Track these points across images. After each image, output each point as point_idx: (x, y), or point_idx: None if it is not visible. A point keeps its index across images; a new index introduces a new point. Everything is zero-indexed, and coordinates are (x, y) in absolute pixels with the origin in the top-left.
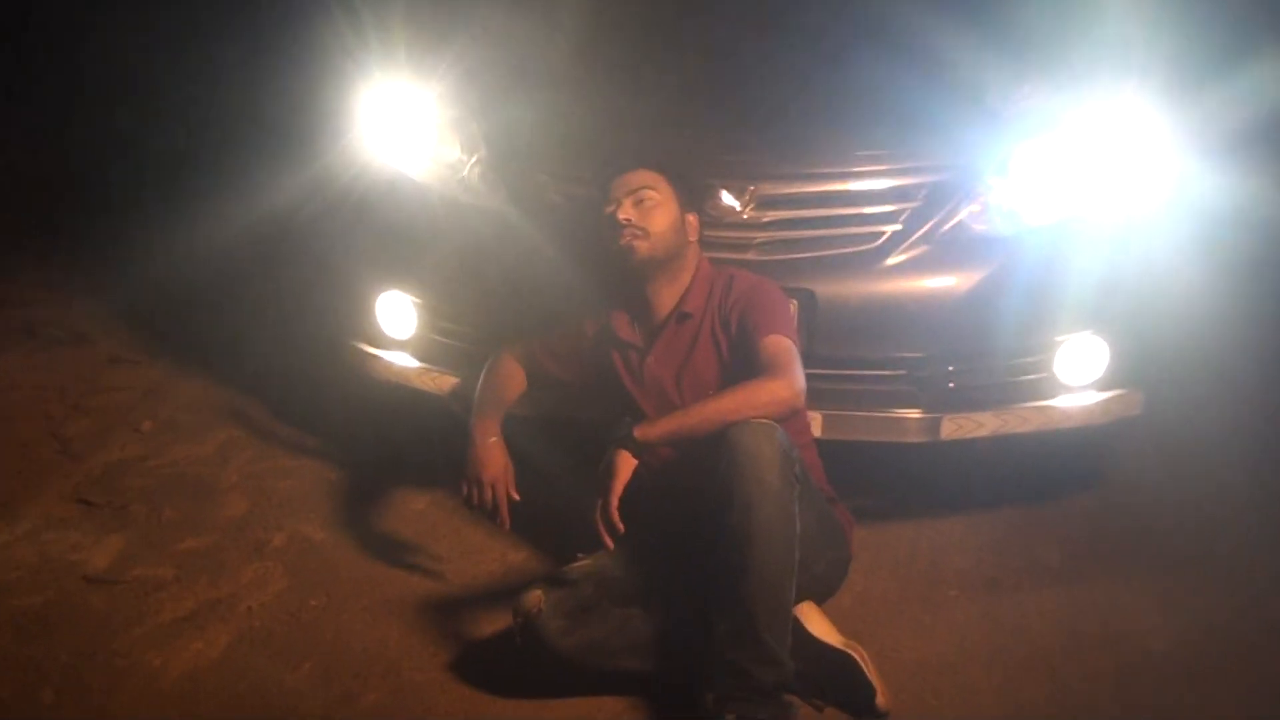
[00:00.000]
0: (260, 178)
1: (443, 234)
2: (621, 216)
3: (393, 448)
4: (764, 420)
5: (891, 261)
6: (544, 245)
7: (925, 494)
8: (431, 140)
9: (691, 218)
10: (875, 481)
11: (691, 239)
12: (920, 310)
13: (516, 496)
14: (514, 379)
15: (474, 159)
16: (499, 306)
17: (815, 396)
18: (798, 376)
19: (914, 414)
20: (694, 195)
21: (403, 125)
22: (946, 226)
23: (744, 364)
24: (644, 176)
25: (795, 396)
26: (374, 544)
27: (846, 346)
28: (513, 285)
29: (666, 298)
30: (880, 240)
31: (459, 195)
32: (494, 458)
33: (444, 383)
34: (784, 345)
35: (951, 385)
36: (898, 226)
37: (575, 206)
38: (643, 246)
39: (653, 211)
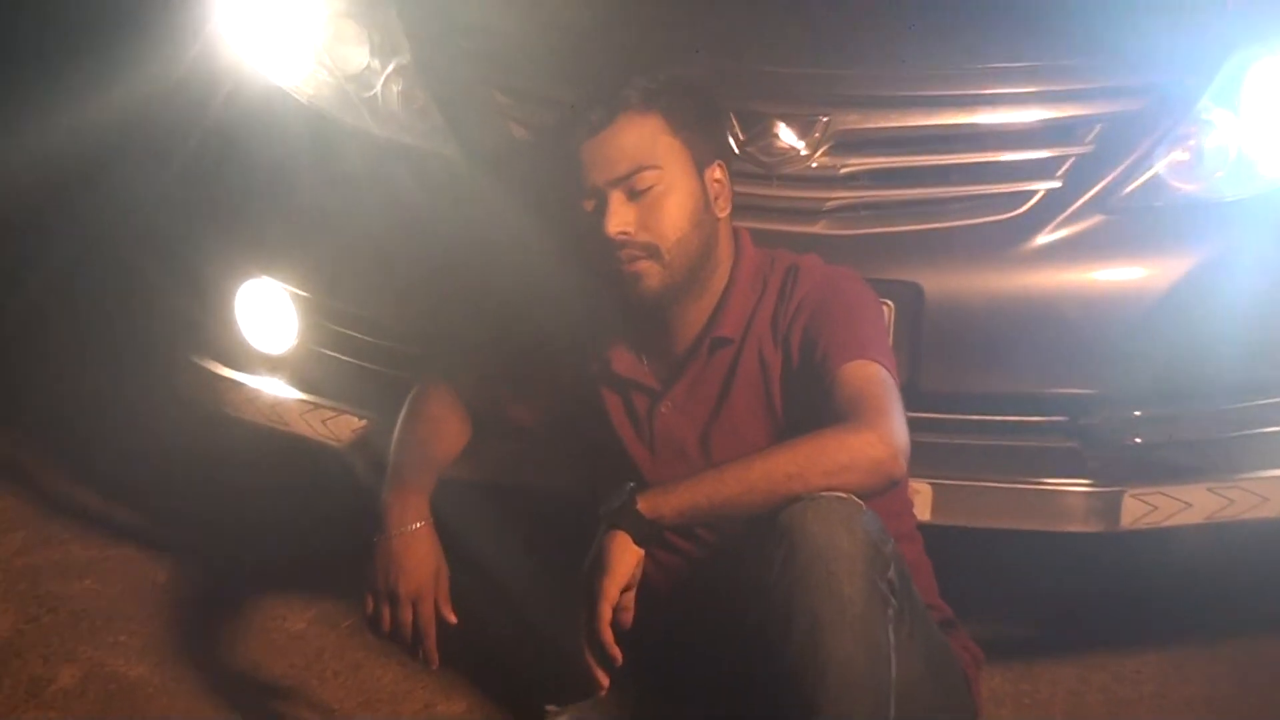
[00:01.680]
0: (46, 98)
1: (342, 186)
2: (613, 230)
3: (256, 530)
4: (841, 495)
5: (1045, 239)
6: (501, 206)
7: (1095, 615)
8: (324, 38)
9: (718, 171)
10: (1015, 594)
11: (721, 213)
12: (1090, 319)
13: (453, 618)
14: (452, 425)
15: (391, 67)
16: (431, 306)
17: (922, 458)
18: (895, 426)
19: (1079, 487)
20: (712, 129)
21: (279, 14)
22: (1133, 185)
23: (809, 406)
24: (630, 137)
25: (891, 458)
26: (223, 686)
27: (972, 377)
28: (452, 271)
29: (692, 316)
30: (1027, 205)
31: (367, 124)
32: (418, 555)
33: (341, 426)
34: (873, 376)
35: (1139, 441)
36: (1055, 184)
37: (552, 143)
38: (655, 273)
39: (661, 204)
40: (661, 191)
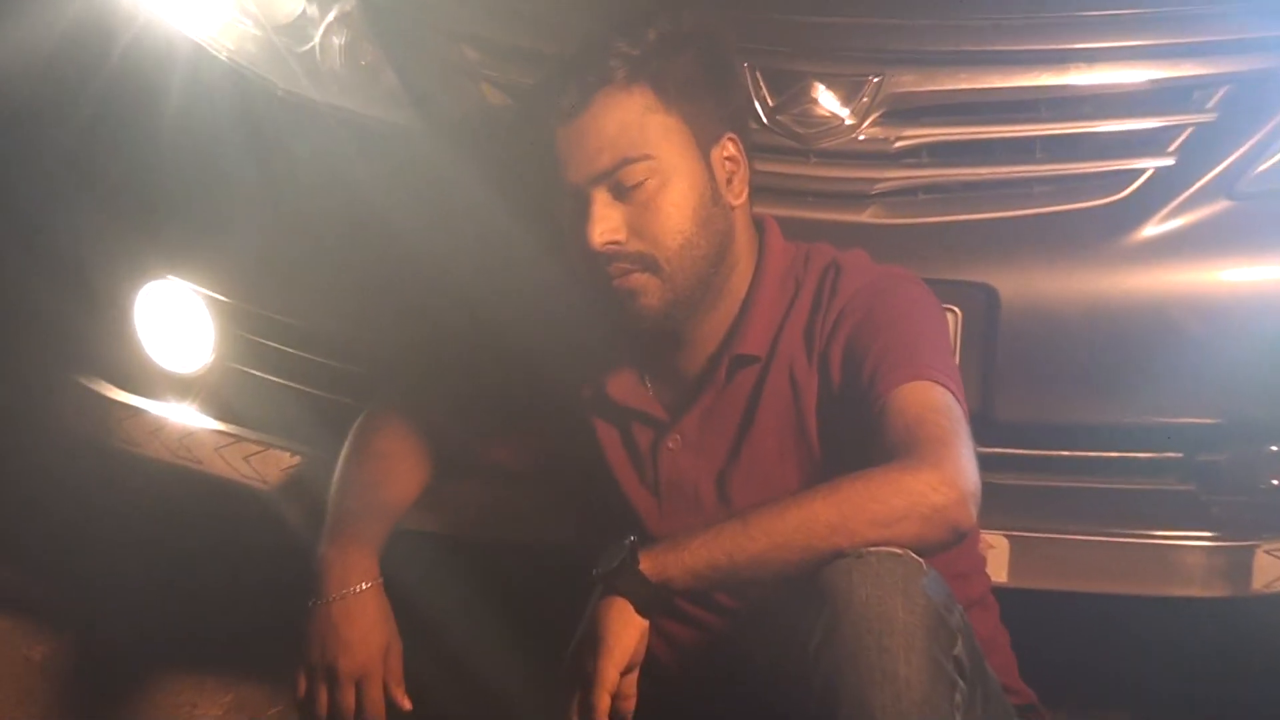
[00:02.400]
0: None
1: (270, 164)
2: (597, 240)
3: (161, 594)
4: (895, 551)
5: (1153, 231)
6: (470, 189)
7: (1216, 701)
8: None
9: (730, 147)
10: (1115, 675)
11: (736, 201)
12: (1211, 331)
13: (406, 703)
14: (407, 463)
15: (332, 15)
16: (382, 314)
17: (997, 505)
18: (962, 464)
19: (1198, 540)
20: (720, 93)
21: None
22: (1267, 163)
23: (854, 441)
24: (611, 120)
25: (957, 503)
26: None
27: (1060, 404)
28: (409, 271)
29: (708, 330)
30: (1132, 188)
31: (302, 87)
32: (364, 624)
33: (268, 464)
34: (934, 402)
35: (1275, 483)
36: (1167, 161)
37: (525, 122)
38: (654, 289)
39: (655, 203)
40: (656, 187)
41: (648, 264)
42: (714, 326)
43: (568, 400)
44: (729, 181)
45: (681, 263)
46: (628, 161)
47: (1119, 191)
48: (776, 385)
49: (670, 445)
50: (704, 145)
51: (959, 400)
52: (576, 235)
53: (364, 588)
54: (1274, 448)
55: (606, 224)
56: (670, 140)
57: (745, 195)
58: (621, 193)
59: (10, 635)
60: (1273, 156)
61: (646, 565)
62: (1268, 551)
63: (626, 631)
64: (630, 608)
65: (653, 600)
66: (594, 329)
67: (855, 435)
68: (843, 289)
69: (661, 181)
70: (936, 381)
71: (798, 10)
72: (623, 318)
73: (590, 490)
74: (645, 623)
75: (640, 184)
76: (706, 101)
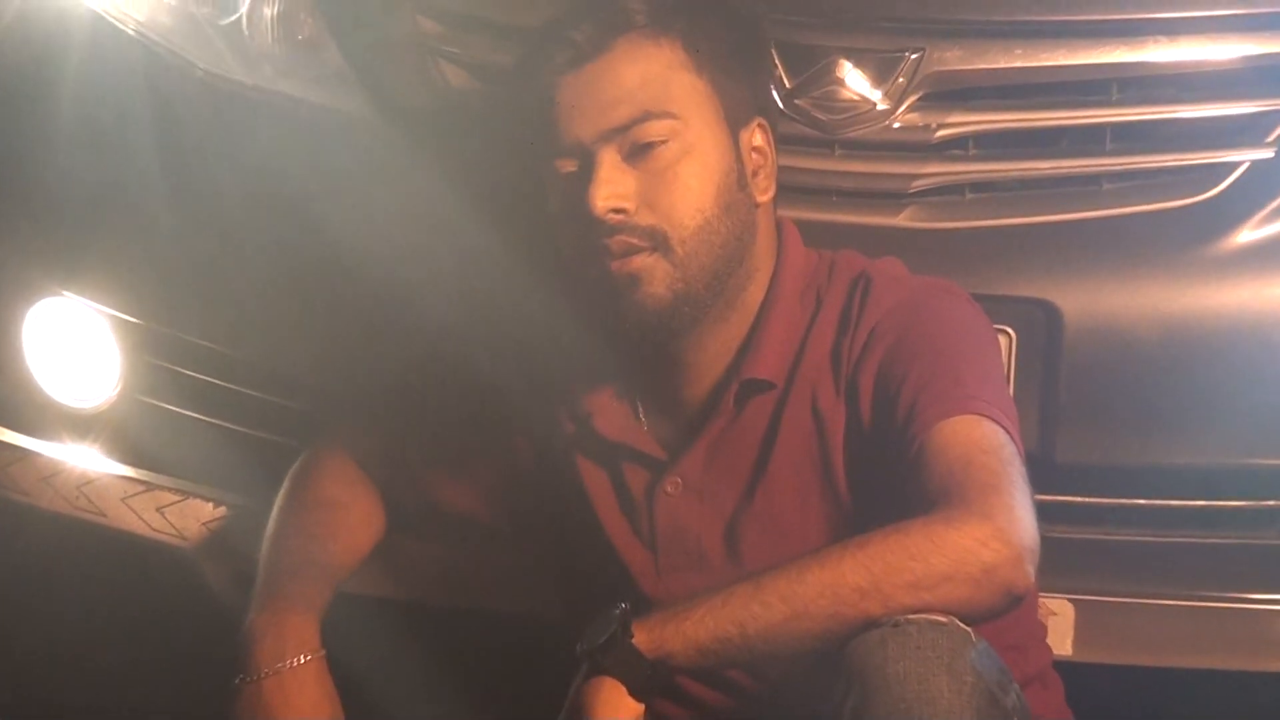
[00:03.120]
0: None
1: (188, 158)
2: (600, 204)
3: (58, 671)
4: (938, 619)
5: (1249, 237)
6: (428, 186)
7: None
8: None
9: (759, 134)
10: None
11: (763, 198)
12: None
13: None
14: (354, 514)
15: None
16: (324, 336)
17: (1060, 564)
18: (1017, 515)
19: None
20: (754, 71)
21: None
22: None
23: (889, 485)
24: (632, 71)
25: (1010, 561)
26: None
27: (1135, 444)
28: (356, 285)
29: (714, 349)
30: (1222, 185)
31: (227, 67)
32: (302, 702)
33: (186, 516)
34: (983, 441)
35: None
36: (1265, 153)
37: (507, 99)
38: (661, 275)
39: (675, 172)
40: (676, 153)
41: (658, 241)
42: (721, 346)
43: (547, 437)
44: (755, 174)
45: (698, 247)
46: (649, 116)
47: (1207, 190)
48: (796, 419)
49: (669, 490)
50: (733, 123)
51: (1013, 436)
52: (573, 204)
53: (303, 661)
54: None
55: (614, 188)
56: (698, 105)
57: (771, 193)
58: (635, 155)
59: None
60: None
61: (642, 639)
62: None
63: (618, 717)
64: (622, 690)
65: (649, 681)
66: (578, 349)
67: (890, 479)
68: (873, 305)
69: (683, 149)
70: (986, 415)
71: None
72: (620, 312)
73: (573, 546)
74: (640, 707)
75: (658, 146)
76: (739, 74)
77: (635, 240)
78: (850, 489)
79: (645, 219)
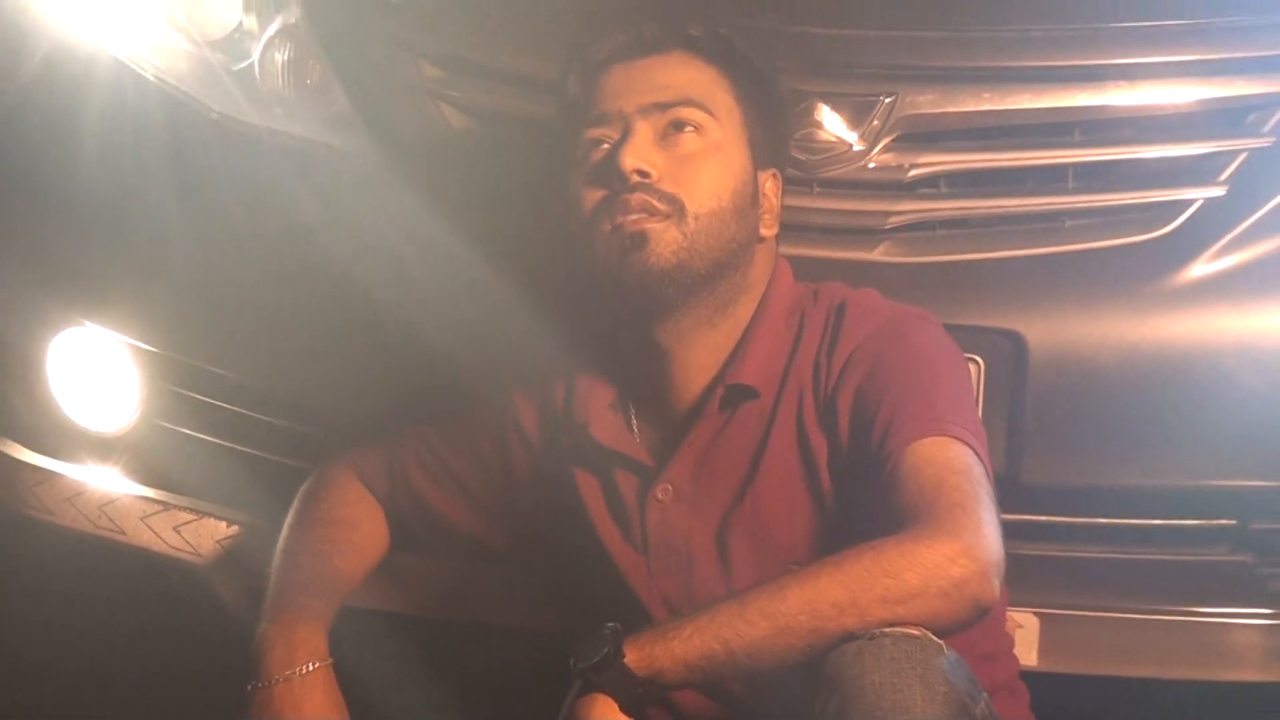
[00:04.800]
0: None
1: (203, 196)
2: (629, 162)
3: (80, 681)
4: (911, 632)
5: (1203, 270)
6: (430, 224)
7: None
8: None
9: (771, 181)
10: None
11: (767, 232)
12: (1268, 383)
13: None
14: (360, 532)
15: (273, 28)
16: (331, 364)
17: (1025, 579)
18: (984, 532)
19: (1254, 618)
20: (781, 128)
21: None
22: None
23: (863, 502)
24: (683, 72)
25: (978, 576)
26: None
27: (1096, 465)
28: (362, 315)
29: (703, 355)
30: (1178, 222)
31: (239, 109)
32: (310, 708)
33: (202, 534)
34: (952, 462)
35: None
36: (1216, 191)
37: (505, 140)
38: (671, 239)
39: (699, 163)
40: (703, 146)
41: (675, 209)
42: (710, 355)
43: (544, 452)
44: (763, 212)
45: (707, 226)
46: (690, 102)
47: (1163, 226)
48: (783, 432)
49: (659, 496)
50: (756, 157)
51: (982, 458)
52: (602, 167)
53: (311, 669)
54: None
55: (644, 152)
56: (732, 121)
57: (774, 231)
58: (667, 137)
59: None
60: None
61: (633, 658)
62: None
63: None
64: (614, 705)
65: (639, 697)
66: (574, 365)
67: (868, 491)
68: (849, 331)
69: (711, 144)
70: (957, 438)
71: (799, 20)
72: (624, 269)
73: (568, 552)
74: None
75: (690, 131)
76: (766, 123)
77: (654, 201)
78: (834, 498)
79: (667, 187)
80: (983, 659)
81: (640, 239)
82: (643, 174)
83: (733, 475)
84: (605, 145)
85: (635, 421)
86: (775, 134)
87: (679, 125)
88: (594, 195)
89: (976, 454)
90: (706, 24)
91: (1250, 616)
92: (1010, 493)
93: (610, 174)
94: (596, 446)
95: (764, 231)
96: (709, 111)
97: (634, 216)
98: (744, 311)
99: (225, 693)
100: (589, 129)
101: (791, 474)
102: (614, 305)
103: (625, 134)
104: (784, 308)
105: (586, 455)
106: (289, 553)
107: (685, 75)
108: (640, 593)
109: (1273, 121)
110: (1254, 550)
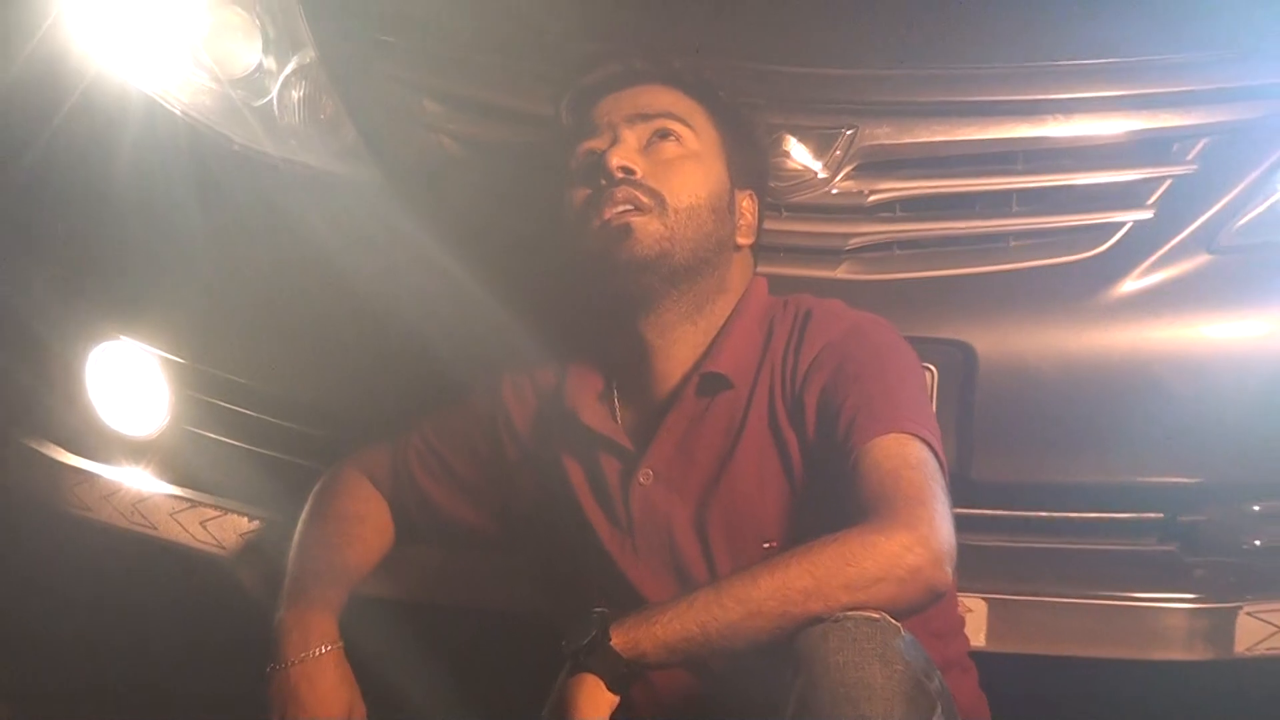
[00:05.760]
0: None
1: (226, 221)
2: (616, 160)
3: (115, 664)
4: (871, 615)
5: (1133, 286)
6: (431, 245)
7: None
8: (204, 28)
9: (747, 200)
10: None
11: (743, 240)
12: (1192, 388)
13: None
14: (368, 526)
15: (290, 67)
16: (342, 373)
17: (974, 568)
18: (938, 524)
19: (1180, 603)
20: (757, 157)
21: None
22: (1248, 215)
23: (828, 487)
24: (667, 97)
25: (932, 564)
26: None
27: (1039, 463)
28: (369, 329)
29: (682, 347)
30: (1110, 242)
31: (259, 141)
32: (323, 687)
33: (226, 529)
34: (910, 458)
35: (1257, 544)
36: (1146, 214)
37: (496, 166)
38: (652, 230)
39: (679, 166)
40: (682, 153)
41: (656, 202)
42: (689, 348)
43: (534, 444)
44: (739, 222)
45: (686, 220)
46: (673, 116)
47: (1097, 246)
48: (756, 422)
49: (642, 480)
50: (733, 174)
51: (937, 451)
52: (592, 169)
53: (324, 651)
54: (1256, 507)
55: (628, 154)
56: (709, 137)
57: (750, 240)
58: (651, 145)
59: None
60: (1255, 209)
61: (619, 640)
62: (1250, 614)
63: (597, 709)
64: (601, 684)
65: (624, 676)
66: (564, 361)
67: (833, 479)
68: (816, 333)
69: (690, 152)
70: (913, 433)
71: (768, 60)
72: (612, 257)
73: (559, 536)
74: (615, 698)
75: (671, 141)
76: (743, 149)
77: (639, 195)
78: (802, 482)
79: (649, 183)
80: (936, 636)
81: (626, 230)
82: (627, 171)
83: (709, 461)
84: (597, 150)
85: (619, 410)
86: (752, 161)
87: (662, 134)
88: (583, 193)
89: (931, 446)
90: (689, 60)
91: (1176, 601)
92: (960, 488)
93: (598, 172)
94: (585, 431)
95: (740, 239)
96: (689, 126)
97: (620, 209)
98: (720, 312)
99: (246, 668)
100: (582, 142)
101: (763, 460)
102: (602, 296)
103: (613, 140)
104: (757, 312)
105: (576, 442)
106: (303, 546)
107: (669, 99)
108: (627, 571)
109: (1195, 150)
110: (1180, 541)
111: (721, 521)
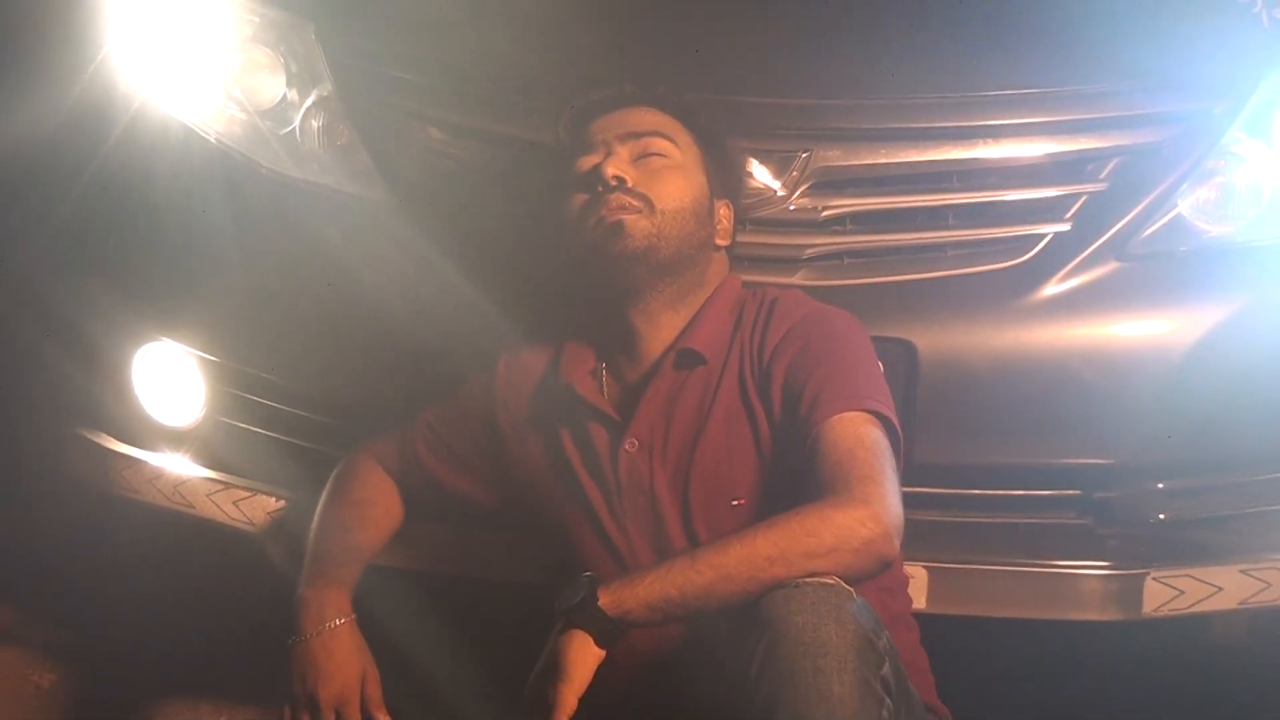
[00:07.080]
0: None
1: (254, 236)
2: (610, 170)
3: (157, 629)
4: (828, 581)
5: (1053, 290)
6: (436, 256)
7: (1113, 715)
8: (234, 67)
9: (724, 208)
10: (1023, 692)
11: (721, 241)
12: (1105, 380)
13: None
14: (379, 508)
15: (310, 99)
16: (357, 371)
17: (916, 539)
18: (888, 500)
19: (1094, 569)
20: (731, 171)
21: (183, 40)
22: (1154, 227)
23: (790, 455)
24: (654, 117)
25: (882, 536)
26: None
27: (972, 447)
28: (381, 331)
29: (663, 329)
30: (1033, 251)
31: (283, 165)
32: (339, 656)
33: (255, 508)
34: (865, 438)
35: (1162, 517)
36: (1064, 227)
37: (494, 186)
38: (642, 228)
39: (665, 175)
40: (668, 166)
41: (646, 204)
42: (671, 332)
43: (530, 423)
44: (717, 226)
45: (672, 220)
46: (659, 134)
47: (1022, 255)
48: (727, 395)
49: (627, 448)
50: (712, 185)
51: (893, 422)
52: (588, 179)
53: (338, 624)
54: (1161, 485)
55: (621, 164)
56: (691, 153)
57: (727, 242)
58: (640, 159)
59: (20, 664)
60: (1158, 222)
61: (605, 601)
62: (1156, 579)
63: (585, 662)
64: (590, 640)
65: (610, 633)
66: (559, 344)
67: (794, 459)
68: (782, 316)
69: (674, 165)
70: (870, 410)
71: (734, 91)
72: (605, 252)
73: (553, 505)
74: (602, 653)
75: (658, 156)
76: (717, 163)
77: (629, 199)
78: (769, 449)
79: (639, 189)
80: (884, 590)
81: (618, 227)
82: (620, 179)
83: (686, 429)
84: (592, 164)
85: (607, 387)
86: (727, 175)
87: (650, 149)
88: (582, 198)
89: (889, 422)
90: (672, 86)
91: (1091, 568)
92: (905, 470)
93: (595, 181)
94: (578, 402)
95: (718, 241)
96: (674, 142)
97: (613, 209)
98: (700, 298)
99: (272, 634)
100: (580, 155)
101: (734, 429)
102: (596, 286)
103: (607, 153)
104: (729, 300)
105: (569, 416)
106: (321, 528)
107: (655, 119)
108: (614, 535)
109: (1107, 169)
110: (1094, 515)
111: (699, 483)
